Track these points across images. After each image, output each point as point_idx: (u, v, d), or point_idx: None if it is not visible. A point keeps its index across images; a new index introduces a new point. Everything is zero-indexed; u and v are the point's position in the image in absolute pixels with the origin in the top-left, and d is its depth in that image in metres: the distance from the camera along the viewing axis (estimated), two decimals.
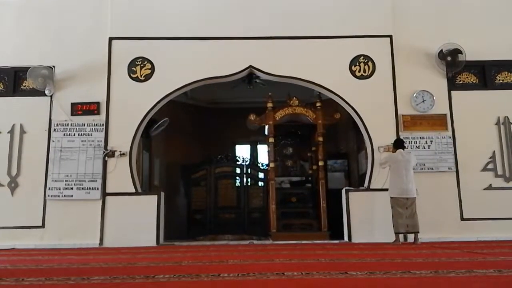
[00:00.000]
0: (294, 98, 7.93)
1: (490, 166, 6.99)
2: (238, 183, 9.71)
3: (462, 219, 6.78)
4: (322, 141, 7.83)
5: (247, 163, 9.86)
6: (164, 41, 7.24)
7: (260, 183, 9.68)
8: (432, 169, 6.90)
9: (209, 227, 9.15)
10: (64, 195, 6.70)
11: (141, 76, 7.13)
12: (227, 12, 7.40)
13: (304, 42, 7.27)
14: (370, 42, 7.28)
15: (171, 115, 8.60)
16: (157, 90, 7.09)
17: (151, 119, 7.42)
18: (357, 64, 7.22)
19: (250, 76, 8.04)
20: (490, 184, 6.93)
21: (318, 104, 7.85)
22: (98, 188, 6.72)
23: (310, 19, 7.34)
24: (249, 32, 7.29)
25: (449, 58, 7.04)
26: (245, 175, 9.73)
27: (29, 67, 6.87)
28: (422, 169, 6.83)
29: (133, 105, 7.02)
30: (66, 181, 6.74)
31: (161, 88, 7.10)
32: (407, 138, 6.89)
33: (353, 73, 7.21)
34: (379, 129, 7.02)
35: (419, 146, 6.97)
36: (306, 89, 7.63)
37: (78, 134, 6.91)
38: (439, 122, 7.06)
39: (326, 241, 6.98)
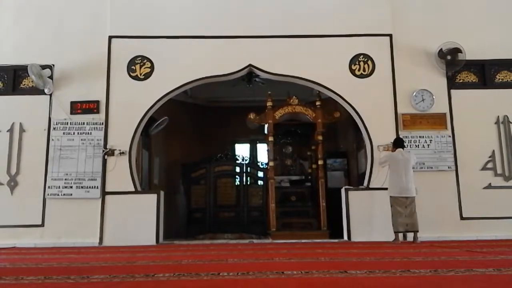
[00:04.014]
0: (294, 97, 7.94)
1: (489, 165, 7.00)
2: (237, 182, 9.69)
3: (462, 218, 6.79)
4: (321, 140, 7.84)
5: (246, 162, 9.86)
6: (163, 40, 7.23)
7: (260, 182, 9.65)
8: (432, 168, 6.90)
9: (209, 226, 9.13)
10: (64, 194, 6.70)
11: (140, 74, 7.12)
12: (227, 10, 7.39)
13: (304, 41, 7.27)
14: (370, 41, 7.28)
15: (170, 113, 8.59)
16: (156, 89, 7.09)
17: (150, 117, 7.42)
18: (357, 63, 7.22)
19: (249, 74, 8.04)
20: (490, 183, 6.93)
21: (317, 103, 7.86)
22: (97, 187, 6.72)
23: (310, 18, 7.33)
24: (248, 30, 7.28)
25: (448, 57, 7.03)
26: (244, 174, 9.72)
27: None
28: (422, 168, 6.83)
29: (133, 103, 7.01)
30: (65, 179, 6.73)
31: (160, 86, 7.09)
32: (406, 137, 6.89)
33: (352, 72, 7.20)
34: (379, 128, 7.02)
35: (418, 145, 6.97)
36: (305, 88, 7.64)
37: (78, 133, 6.90)
38: (438, 121, 7.06)
39: (325, 240, 6.99)
